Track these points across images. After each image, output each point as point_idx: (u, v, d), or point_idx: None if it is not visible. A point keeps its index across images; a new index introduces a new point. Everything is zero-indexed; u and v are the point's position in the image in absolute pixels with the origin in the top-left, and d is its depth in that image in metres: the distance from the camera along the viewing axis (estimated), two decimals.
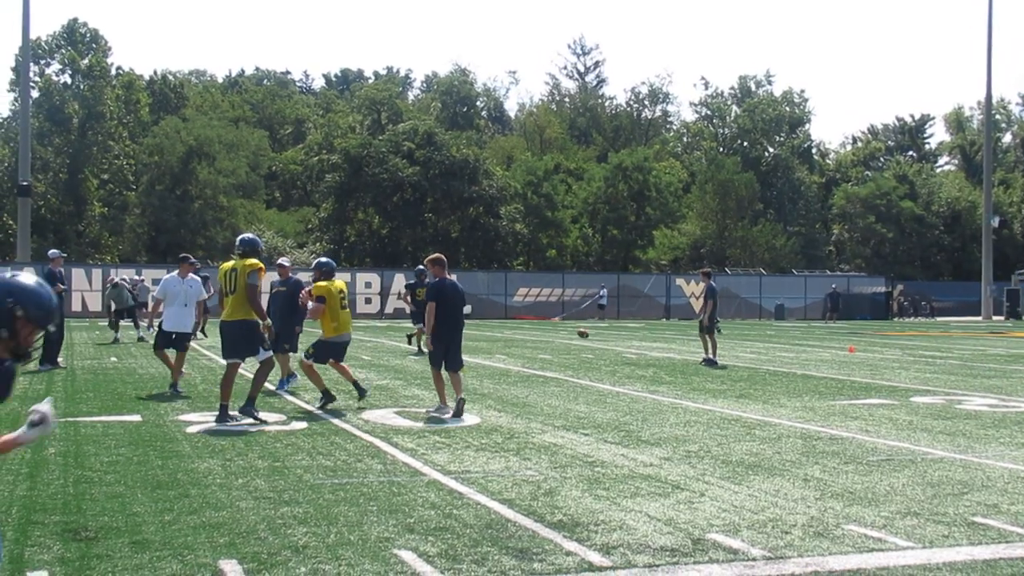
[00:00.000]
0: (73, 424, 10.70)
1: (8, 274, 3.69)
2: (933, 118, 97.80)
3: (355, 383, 12.76)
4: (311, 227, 69.00)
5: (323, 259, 13.34)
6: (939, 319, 57.07)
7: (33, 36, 64.41)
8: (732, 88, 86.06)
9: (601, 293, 51.25)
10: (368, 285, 49.42)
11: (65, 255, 18.61)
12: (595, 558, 5.74)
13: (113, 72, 74.44)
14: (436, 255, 12.63)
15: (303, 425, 10.83)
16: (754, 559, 5.74)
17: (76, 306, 42.24)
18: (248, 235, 11.89)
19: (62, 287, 18.46)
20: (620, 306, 52.92)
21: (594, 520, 6.62)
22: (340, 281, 13.10)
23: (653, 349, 25.21)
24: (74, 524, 6.36)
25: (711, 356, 20.30)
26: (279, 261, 16.20)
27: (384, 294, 48.84)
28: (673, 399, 13.72)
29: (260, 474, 8.03)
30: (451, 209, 64.71)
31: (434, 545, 5.95)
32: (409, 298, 22.28)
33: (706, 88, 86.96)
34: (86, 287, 44.00)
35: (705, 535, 6.27)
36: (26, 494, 7.24)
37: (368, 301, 49.04)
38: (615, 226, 71.21)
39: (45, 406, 3.72)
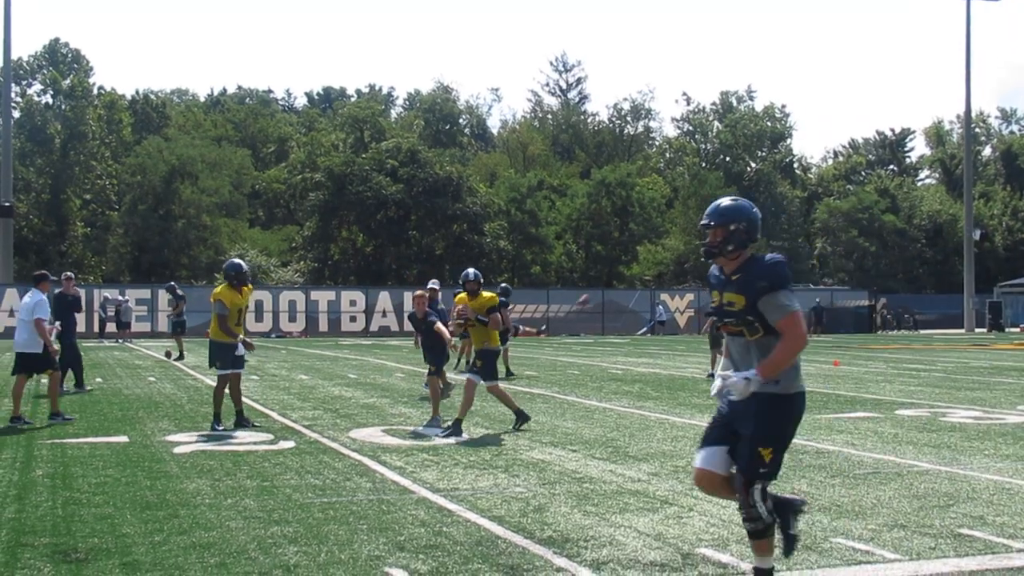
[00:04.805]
0: (60, 446, 10.68)
1: None
2: (913, 132, 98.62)
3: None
4: (295, 246, 68.93)
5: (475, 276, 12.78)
6: (922, 332, 57.35)
7: (14, 56, 64.35)
8: (714, 104, 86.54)
9: (660, 310, 51.43)
10: (353, 303, 49.36)
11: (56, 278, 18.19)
12: (585, 574, 5.76)
13: (95, 92, 74.37)
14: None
15: (291, 444, 10.83)
16: (743, 573, 5.77)
17: None
18: (229, 260, 12.54)
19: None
20: (605, 322, 52.99)
21: (584, 536, 6.65)
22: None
23: (639, 365, 25.26)
24: (64, 546, 6.35)
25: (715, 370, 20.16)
26: (430, 284, 15.39)
27: (369, 312, 48.81)
28: (660, 414, 13.76)
29: (249, 494, 8.02)
30: (435, 226, 64.74)
31: (424, 563, 5.96)
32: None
33: (688, 104, 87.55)
34: None
35: (694, 550, 6.30)
36: (15, 516, 7.22)
37: (353, 319, 48.99)
38: (599, 242, 71.40)
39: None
